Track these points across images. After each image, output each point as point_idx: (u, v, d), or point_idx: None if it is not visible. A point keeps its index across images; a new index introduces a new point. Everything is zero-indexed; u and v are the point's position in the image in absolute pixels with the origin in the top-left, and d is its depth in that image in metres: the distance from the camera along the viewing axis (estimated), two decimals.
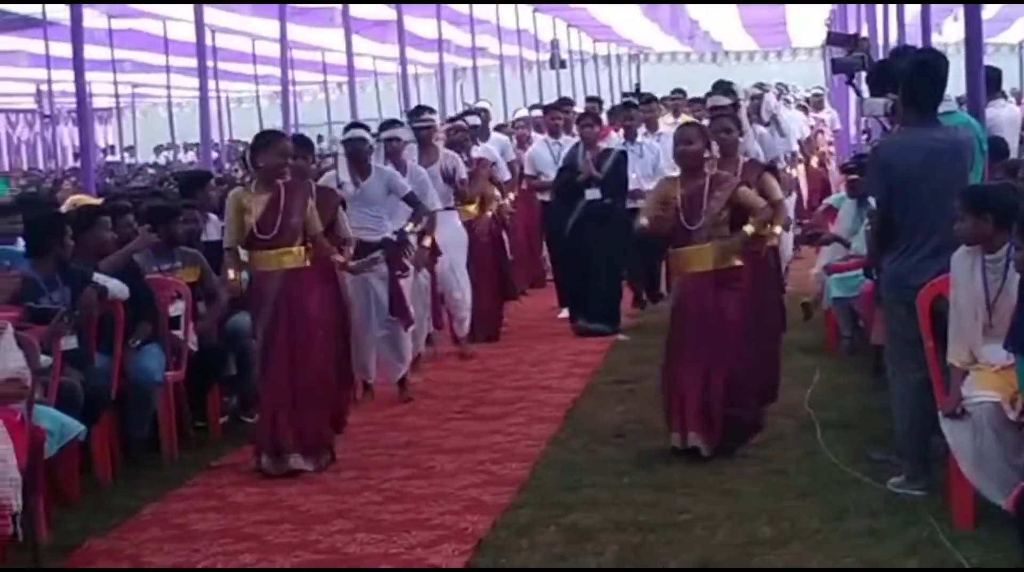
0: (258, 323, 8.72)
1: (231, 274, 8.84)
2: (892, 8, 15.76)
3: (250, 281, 8.95)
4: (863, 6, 19.13)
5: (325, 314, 8.91)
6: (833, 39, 10.49)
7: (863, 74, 9.19)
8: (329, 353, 8.95)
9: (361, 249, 9.88)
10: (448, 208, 12.18)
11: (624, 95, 20.39)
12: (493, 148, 14.62)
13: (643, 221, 8.75)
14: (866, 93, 8.79)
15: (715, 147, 8.58)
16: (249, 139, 9.94)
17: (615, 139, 14.21)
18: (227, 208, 8.78)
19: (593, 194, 13.07)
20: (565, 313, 13.61)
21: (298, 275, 8.63)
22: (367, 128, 11.05)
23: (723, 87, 12.53)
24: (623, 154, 13.38)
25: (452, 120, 14.13)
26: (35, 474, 6.90)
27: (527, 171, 14.70)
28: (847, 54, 9.37)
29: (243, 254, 8.84)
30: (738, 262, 8.36)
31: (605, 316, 13.15)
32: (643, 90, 20.83)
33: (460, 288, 12.37)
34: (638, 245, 13.57)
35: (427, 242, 11.02)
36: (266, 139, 8.93)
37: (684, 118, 15.83)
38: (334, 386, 9.00)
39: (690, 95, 17.52)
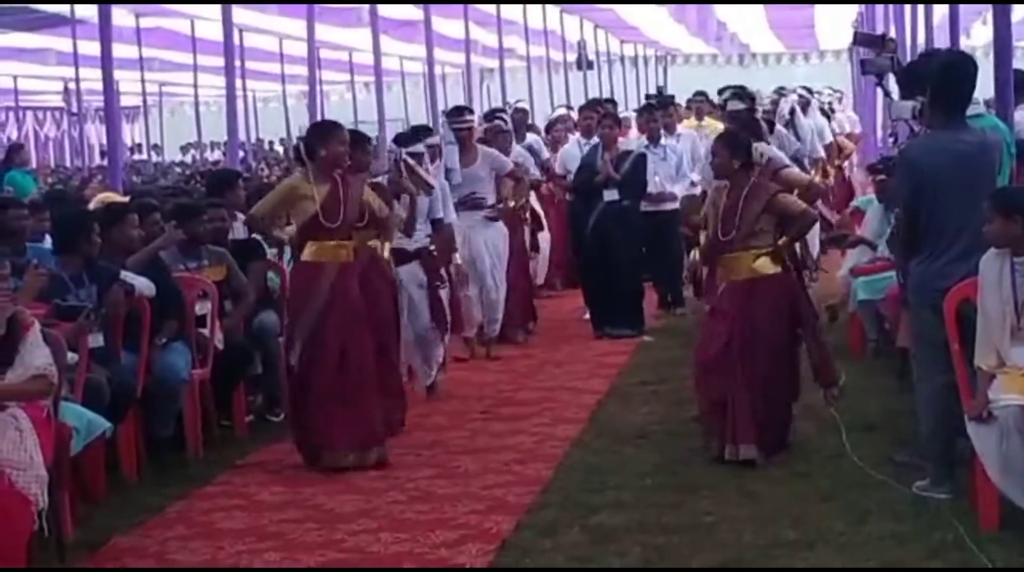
0: (302, 315, 8.66)
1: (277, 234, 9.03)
2: (920, 10, 15.71)
3: (293, 272, 9.05)
4: (891, 8, 19.09)
5: (377, 311, 8.98)
6: (860, 40, 10.43)
7: (891, 76, 9.15)
8: (379, 350, 8.93)
9: (397, 257, 10.00)
10: (491, 206, 12.28)
11: (648, 97, 20.32)
12: (525, 152, 14.67)
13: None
14: (895, 95, 8.76)
15: (757, 153, 8.53)
16: (276, 138, 9.96)
17: (634, 141, 14.18)
18: (277, 188, 8.89)
19: (611, 195, 13.00)
20: (588, 315, 13.55)
21: (350, 270, 8.69)
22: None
23: (738, 92, 12.55)
24: (642, 156, 13.31)
25: (489, 118, 14.03)
26: (61, 471, 6.94)
27: (557, 170, 14.72)
28: (875, 55, 9.33)
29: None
30: (774, 270, 8.34)
31: (628, 320, 13.09)
32: (668, 92, 20.82)
33: (497, 289, 12.35)
34: (661, 246, 13.72)
35: (456, 259, 11.06)
36: (327, 128, 8.97)
37: (708, 120, 15.81)
38: (384, 384, 8.97)
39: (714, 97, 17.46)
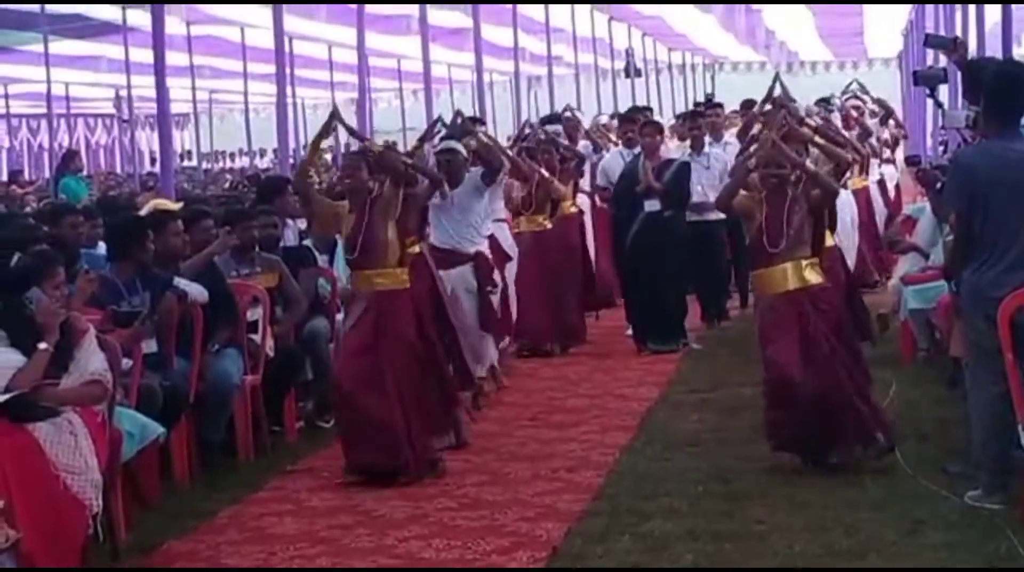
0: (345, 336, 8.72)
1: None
2: (972, 18, 15.64)
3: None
4: (941, 16, 19.02)
5: (418, 336, 8.64)
6: (931, 42, 10.33)
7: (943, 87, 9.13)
8: (422, 374, 8.64)
9: (447, 259, 9.93)
10: (500, 220, 11.98)
11: (696, 105, 20.19)
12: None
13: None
14: (947, 103, 8.73)
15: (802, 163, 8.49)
16: (325, 145, 10.10)
17: (673, 149, 13.88)
18: (334, 203, 8.84)
19: (652, 206, 12.66)
20: (631, 330, 13.16)
21: (390, 297, 8.51)
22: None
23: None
24: (685, 165, 12.98)
25: (544, 122, 13.98)
26: (115, 475, 7.00)
27: (599, 182, 14.24)
28: (947, 55, 9.28)
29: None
30: (819, 280, 8.31)
31: (670, 334, 12.76)
32: (716, 100, 20.68)
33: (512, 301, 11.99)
34: (705, 258, 13.46)
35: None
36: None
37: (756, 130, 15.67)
38: (429, 403, 8.71)
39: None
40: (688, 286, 13.47)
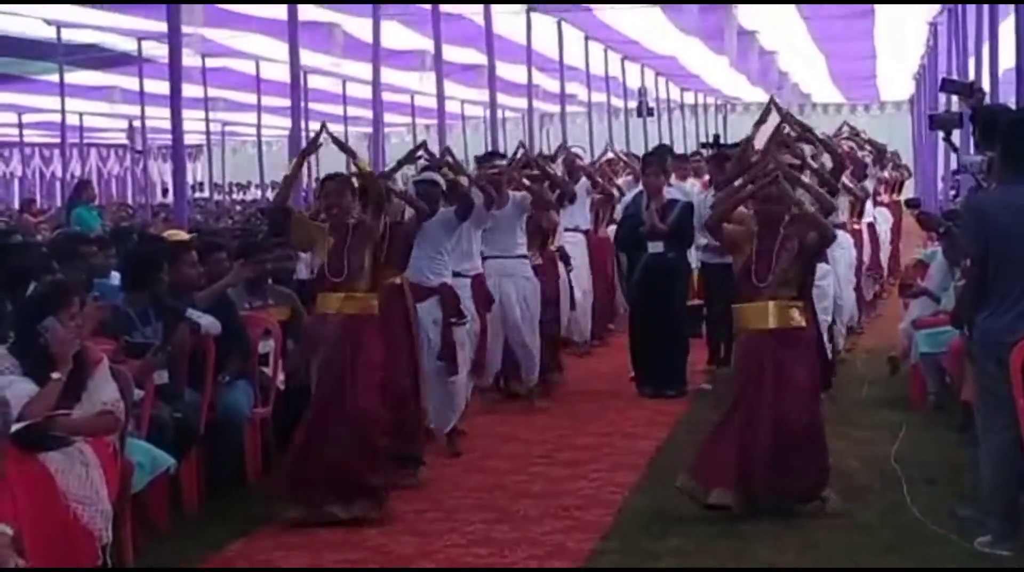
0: (312, 366, 8.61)
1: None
2: (985, 63, 15.67)
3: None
4: (954, 62, 19.05)
5: (384, 363, 8.58)
6: (948, 87, 10.36)
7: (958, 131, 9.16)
8: (384, 401, 8.53)
9: (414, 293, 9.78)
10: (522, 256, 11.99)
11: (703, 146, 20.12)
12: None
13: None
14: (969, 148, 8.76)
15: (800, 202, 8.51)
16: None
17: (675, 189, 13.46)
18: (315, 224, 8.66)
19: (656, 247, 12.50)
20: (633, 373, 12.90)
21: (358, 322, 8.45)
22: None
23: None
24: (689, 206, 12.68)
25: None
26: (125, 506, 7.00)
27: (617, 218, 14.04)
28: (962, 99, 9.32)
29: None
30: (801, 322, 8.28)
31: (672, 378, 12.53)
32: (726, 140, 20.62)
33: (531, 339, 11.99)
34: (717, 299, 12.87)
35: None
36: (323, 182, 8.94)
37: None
38: (387, 434, 8.50)
39: None
40: (691, 329, 13.25)
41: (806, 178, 9.55)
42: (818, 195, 8.80)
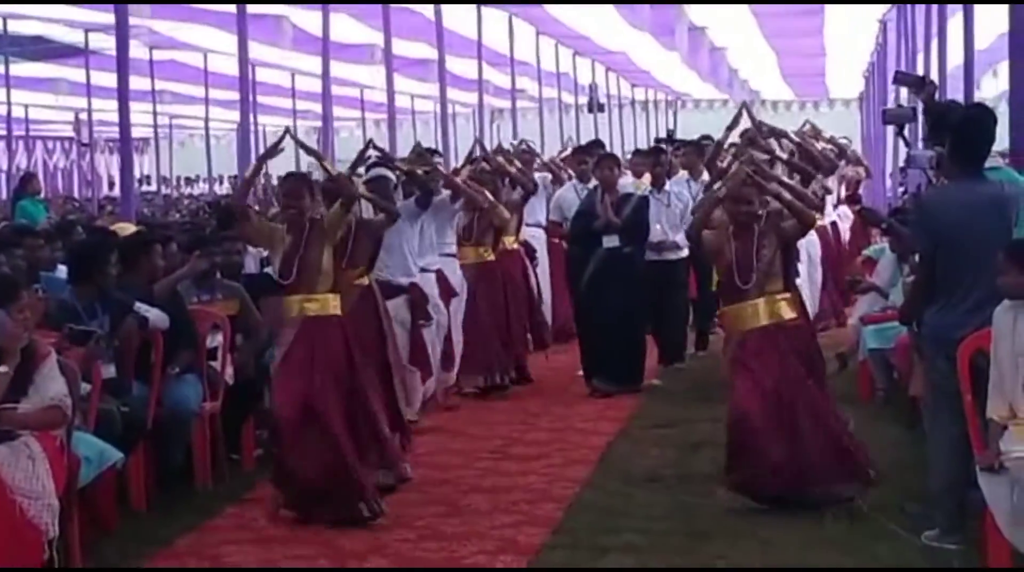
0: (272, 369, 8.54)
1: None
2: (934, 61, 15.77)
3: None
4: (904, 59, 19.17)
5: (350, 365, 8.43)
6: (900, 79, 10.38)
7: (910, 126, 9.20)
8: (350, 406, 8.42)
9: (385, 291, 9.73)
10: (449, 254, 11.76)
11: (657, 141, 20.09)
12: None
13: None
14: (918, 142, 8.81)
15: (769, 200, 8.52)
16: (282, 173, 10.02)
17: (629, 184, 13.28)
18: (271, 225, 8.58)
19: (611, 242, 12.28)
20: (582, 371, 12.72)
21: (319, 324, 8.30)
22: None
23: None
24: (644, 199, 12.57)
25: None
26: (71, 500, 6.94)
27: (552, 217, 13.65)
28: (915, 93, 9.36)
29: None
30: (792, 314, 8.32)
31: (625, 375, 12.33)
32: (678, 136, 20.63)
33: (456, 336, 11.81)
34: (664, 298, 13.02)
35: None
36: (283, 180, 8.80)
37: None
38: (361, 437, 8.43)
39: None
40: (647, 325, 13.08)
41: (778, 171, 9.60)
42: (799, 192, 8.79)
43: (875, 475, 8.15)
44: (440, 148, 20.12)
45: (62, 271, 9.67)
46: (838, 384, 11.86)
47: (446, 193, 11.24)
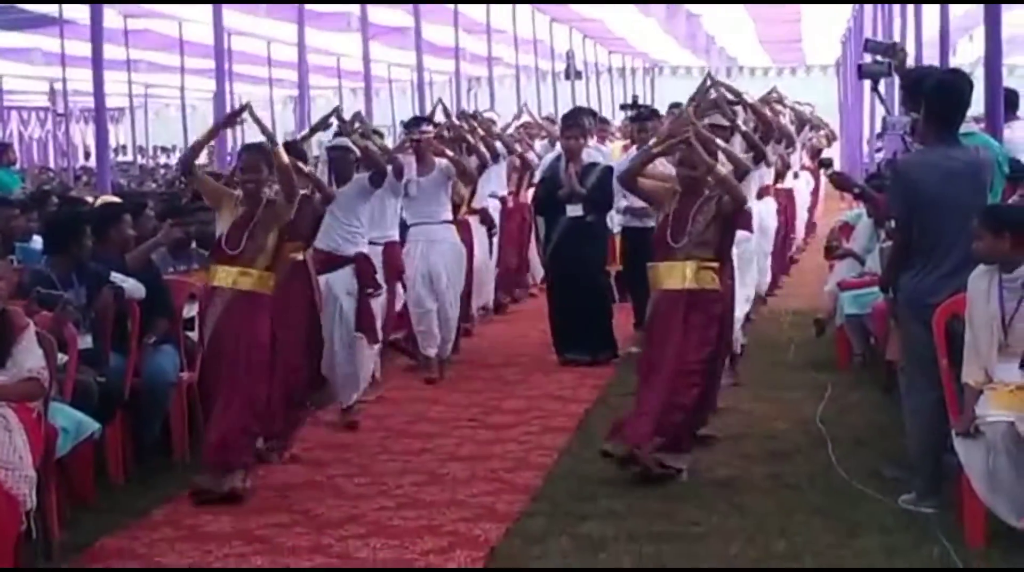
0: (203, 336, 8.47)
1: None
2: (911, 26, 15.77)
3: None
4: (879, 26, 19.15)
5: (271, 344, 8.37)
6: (870, 46, 10.38)
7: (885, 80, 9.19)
8: (268, 379, 8.39)
9: (327, 262, 9.66)
10: (447, 221, 11.87)
11: (622, 107, 19.90)
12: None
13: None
14: (893, 103, 8.80)
15: (722, 161, 8.52)
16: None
17: (593, 151, 13.07)
18: (223, 187, 8.50)
19: (575, 211, 12.18)
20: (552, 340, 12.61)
21: (251, 300, 8.25)
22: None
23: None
24: (609, 169, 12.16)
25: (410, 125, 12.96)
26: (48, 472, 6.92)
27: (537, 178, 13.62)
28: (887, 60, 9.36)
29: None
30: (715, 286, 8.28)
31: (592, 344, 12.21)
32: (655, 104, 20.51)
33: (453, 307, 11.89)
34: (641, 265, 13.01)
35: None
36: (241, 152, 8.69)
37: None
38: (266, 410, 8.39)
39: None
40: (614, 295, 13.16)
41: (736, 141, 9.59)
42: (734, 159, 8.82)
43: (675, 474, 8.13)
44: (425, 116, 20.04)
45: (37, 242, 9.65)
46: (815, 350, 11.95)
47: (442, 163, 11.51)
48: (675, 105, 16.50)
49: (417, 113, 18.33)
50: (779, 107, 14.51)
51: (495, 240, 14.32)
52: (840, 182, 11.76)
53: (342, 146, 10.22)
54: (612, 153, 14.55)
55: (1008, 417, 6.51)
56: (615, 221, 13.08)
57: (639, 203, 12.54)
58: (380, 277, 10.47)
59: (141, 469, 8.65)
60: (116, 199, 10.72)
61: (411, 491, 8.12)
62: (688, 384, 8.19)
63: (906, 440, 7.57)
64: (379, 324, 10.49)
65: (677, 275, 8.28)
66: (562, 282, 12.42)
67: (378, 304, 10.43)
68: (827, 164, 13.78)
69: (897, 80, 9.77)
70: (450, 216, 12.04)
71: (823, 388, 10.36)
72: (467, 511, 7.63)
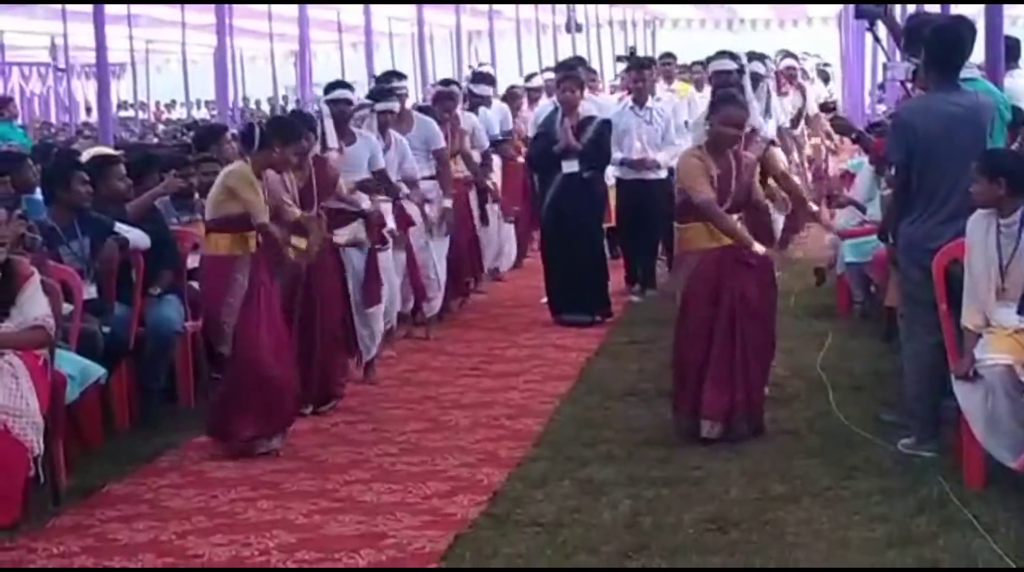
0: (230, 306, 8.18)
1: (294, 246, 8.51)
2: None
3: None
4: None
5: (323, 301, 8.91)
6: (859, 14, 10.31)
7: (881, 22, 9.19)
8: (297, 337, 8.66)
9: (338, 218, 9.59)
10: (430, 177, 11.42)
11: (618, 59, 19.75)
12: (494, 118, 14.03)
13: (707, 196, 7.85)
14: (889, 47, 8.78)
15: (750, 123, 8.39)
16: (264, 98, 9.78)
17: (585, 105, 12.51)
18: (243, 185, 8.03)
19: (571, 166, 11.72)
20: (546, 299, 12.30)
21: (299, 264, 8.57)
22: (352, 88, 10.31)
23: (727, 51, 11.71)
24: (606, 123, 11.99)
25: (445, 84, 13.12)
26: (56, 418, 6.99)
27: (529, 133, 13.39)
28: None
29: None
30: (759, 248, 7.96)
31: (587, 304, 11.83)
32: (654, 55, 20.37)
33: (436, 268, 11.47)
34: (640, 219, 12.68)
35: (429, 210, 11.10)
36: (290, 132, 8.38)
37: (678, 84, 15.39)
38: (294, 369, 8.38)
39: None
40: (609, 251, 12.84)
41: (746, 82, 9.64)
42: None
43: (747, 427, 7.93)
44: (418, 70, 20.02)
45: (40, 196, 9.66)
46: (816, 299, 12.01)
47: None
48: (667, 55, 16.49)
49: (418, 67, 18.36)
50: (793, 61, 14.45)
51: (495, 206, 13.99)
52: (840, 126, 11.78)
53: (343, 99, 10.17)
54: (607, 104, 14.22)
55: (1006, 360, 6.56)
56: (609, 173, 12.71)
57: (640, 155, 12.64)
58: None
59: (146, 418, 8.72)
60: (109, 152, 10.68)
61: (414, 437, 8.20)
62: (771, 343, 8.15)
63: (905, 384, 7.61)
64: (391, 279, 10.38)
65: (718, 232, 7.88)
66: (559, 241, 11.98)
67: (388, 258, 10.24)
68: (832, 108, 13.77)
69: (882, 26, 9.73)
70: (432, 171, 11.55)
71: (823, 336, 10.41)
72: (470, 456, 7.71)
